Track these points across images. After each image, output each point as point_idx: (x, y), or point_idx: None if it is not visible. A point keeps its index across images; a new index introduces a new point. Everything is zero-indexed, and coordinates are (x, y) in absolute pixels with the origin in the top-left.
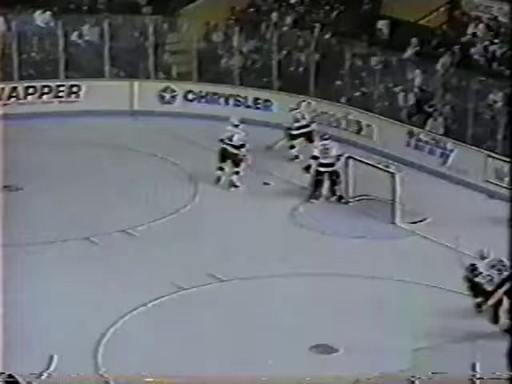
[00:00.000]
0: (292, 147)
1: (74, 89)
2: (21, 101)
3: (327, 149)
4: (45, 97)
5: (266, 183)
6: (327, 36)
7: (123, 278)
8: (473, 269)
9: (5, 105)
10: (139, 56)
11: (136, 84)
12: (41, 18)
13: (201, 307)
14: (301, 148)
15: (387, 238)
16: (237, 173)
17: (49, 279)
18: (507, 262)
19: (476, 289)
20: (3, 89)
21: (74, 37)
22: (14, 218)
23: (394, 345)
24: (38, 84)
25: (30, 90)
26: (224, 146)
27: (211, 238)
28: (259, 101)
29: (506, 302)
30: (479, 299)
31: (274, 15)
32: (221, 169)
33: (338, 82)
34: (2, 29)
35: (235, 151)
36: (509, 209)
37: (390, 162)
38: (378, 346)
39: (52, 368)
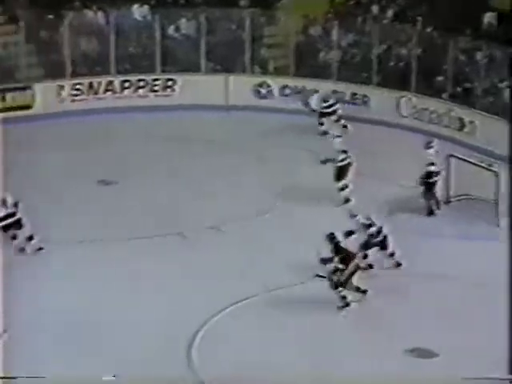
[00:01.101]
0: (321, 124)
1: (170, 83)
2: (117, 94)
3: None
4: (140, 91)
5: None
6: (429, 29)
7: (214, 274)
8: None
9: (101, 99)
10: (235, 50)
11: (231, 78)
12: (138, 11)
13: (293, 306)
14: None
15: (490, 240)
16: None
17: (138, 274)
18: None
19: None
20: (100, 83)
21: (170, 30)
22: (108, 212)
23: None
24: (134, 78)
25: (126, 84)
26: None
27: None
28: (357, 96)
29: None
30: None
31: (375, 8)
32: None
33: (440, 78)
34: (101, 23)
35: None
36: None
37: (493, 160)
38: (480, 350)
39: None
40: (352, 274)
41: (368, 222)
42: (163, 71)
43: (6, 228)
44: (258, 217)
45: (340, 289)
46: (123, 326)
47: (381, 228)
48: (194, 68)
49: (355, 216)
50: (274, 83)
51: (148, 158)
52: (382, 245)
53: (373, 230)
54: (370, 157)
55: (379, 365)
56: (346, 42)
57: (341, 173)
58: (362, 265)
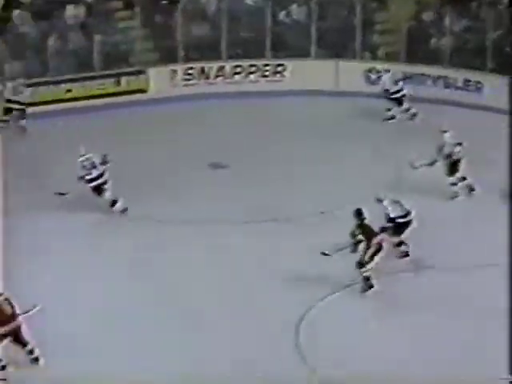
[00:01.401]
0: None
1: (280, 68)
2: (228, 79)
3: None
4: (251, 76)
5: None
6: None
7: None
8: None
9: (212, 84)
10: (346, 35)
11: (341, 64)
12: None
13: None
14: None
15: None
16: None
17: (253, 258)
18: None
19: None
20: (211, 67)
21: (281, 16)
22: (217, 195)
23: None
24: (245, 63)
25: (238, 69)
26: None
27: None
28: (470, 83)
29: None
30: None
31: None
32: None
33: None
34: (213, 8)
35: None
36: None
37: None
38: None
39: None
40: (374, 254)
41: (394, 208)
42: (274, 57)
43: (96, 189)
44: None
45: (364, 269)
46: (237, 308)
47: (407, 214)
48: (304, 53)
49: (381, 200)
50: (385, 69)
51: (258, 142)
52: (398, 231)
53: (396, 214)
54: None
55: None
56: (459, 27)
57: (454, 166)
58: (385, 245)
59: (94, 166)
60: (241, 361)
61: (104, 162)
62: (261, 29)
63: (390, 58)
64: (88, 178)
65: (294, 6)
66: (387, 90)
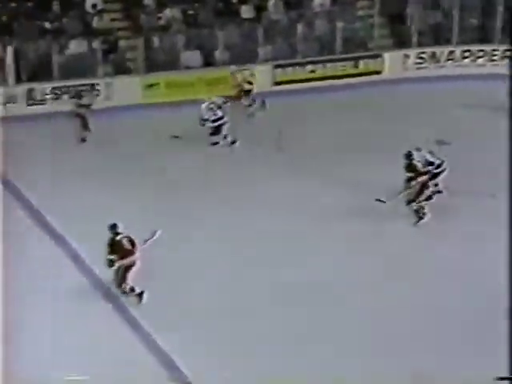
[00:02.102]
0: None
1: (508, 53)
2: (457, 63)
3: None
4: (480, 60)
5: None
6: None
7: None
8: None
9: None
10: None
11: None
12: None
13: None
14: None
15: None
16: None
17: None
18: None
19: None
20: (442, 52)
21: None
22: None
23: None
24: (475, 48)
25: (467, 54)
26: None
27: None
28: None
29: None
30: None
31: None
32: None
33: None
34: None
35: None
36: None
37: None
38: None
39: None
40: (419, 193)
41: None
42: (502, 42)
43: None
44: None
45: (413, 204)
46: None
47: (441, 163)
48: None
49: (420, 150)
50: None
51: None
52: (434, 175)
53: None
54: None
55: None
56: None
57: None
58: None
59: (219, 107)
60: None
61: (225, 103)
62: (490, 16)
63: None
64: (212, 118)
65: None
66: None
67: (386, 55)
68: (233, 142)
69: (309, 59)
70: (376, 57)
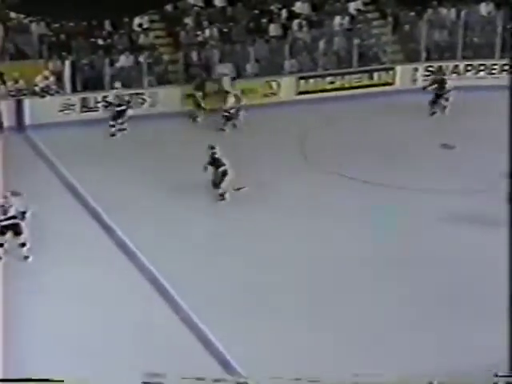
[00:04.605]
0: None
1: (506, 67)
2: (459, 76)
3: None
4: (481, 73)
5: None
6: None
7: None
8: None
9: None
10: None
11: None
12: (485, 8)
13: None
14: None
15: None
16: None
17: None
18: None
19: None
20: (447, 66)
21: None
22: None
23: None
24: (476, 62)
25: (469, 68)
26: None
27: None
28: None
29: None
30: None
31: None
32: None
33: None
34: (453, 17)
35: None
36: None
37: None
38: None
39: None
40: None
41: None
42: (501, 57)
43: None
44: None
45: None
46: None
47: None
48: None
49: None
50: None
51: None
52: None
53: None
54: None
55: None
56: None
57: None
58: None
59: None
60: None
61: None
62: (492, 35)
63: None
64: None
65: None
66: None
67: (398, 68)
68: (120, 130)
69: (329, 72)
70: (388, 70)
